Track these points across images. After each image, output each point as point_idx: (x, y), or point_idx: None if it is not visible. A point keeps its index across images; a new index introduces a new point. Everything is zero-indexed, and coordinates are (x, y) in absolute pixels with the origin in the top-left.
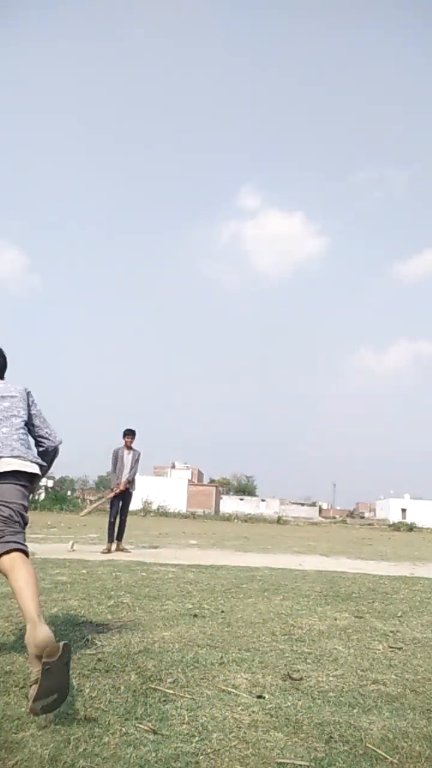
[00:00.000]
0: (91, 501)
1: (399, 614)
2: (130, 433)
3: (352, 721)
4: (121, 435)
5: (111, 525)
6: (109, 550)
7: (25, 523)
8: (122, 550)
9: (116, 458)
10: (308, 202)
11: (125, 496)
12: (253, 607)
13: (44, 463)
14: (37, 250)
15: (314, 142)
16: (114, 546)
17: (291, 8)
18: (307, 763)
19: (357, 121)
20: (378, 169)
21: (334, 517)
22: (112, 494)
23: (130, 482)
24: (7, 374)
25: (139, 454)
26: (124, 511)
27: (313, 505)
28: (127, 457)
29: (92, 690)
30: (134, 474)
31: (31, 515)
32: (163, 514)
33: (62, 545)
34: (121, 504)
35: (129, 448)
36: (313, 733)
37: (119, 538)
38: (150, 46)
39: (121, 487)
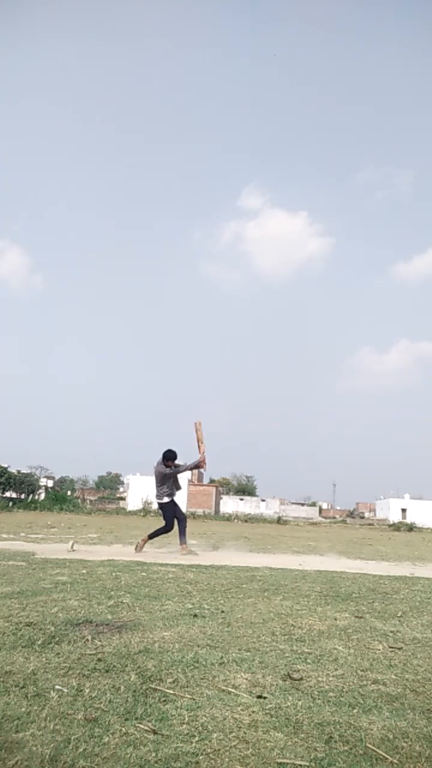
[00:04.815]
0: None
1: (399, 614)
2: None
3: (352, 721)
4: (167, 458)
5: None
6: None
7: None
8: (189, 552)
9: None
10: (311, 203)
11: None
12: (253, 607)
13: None
14: (39, 250)
15: (317, 142)
16: (183, 549)
17: (294, 8)
18: (307, 763)
19: (360, 121)
20: (381, 170)
21: (334, 517)
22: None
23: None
24: None
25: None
26: (181, 516)
27: (313, 505)
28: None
29: (92, 690)
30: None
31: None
32: None
33: (62, 545)
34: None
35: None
36: (313, 733)
37: (183, 541)
38: (151, 45)
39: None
